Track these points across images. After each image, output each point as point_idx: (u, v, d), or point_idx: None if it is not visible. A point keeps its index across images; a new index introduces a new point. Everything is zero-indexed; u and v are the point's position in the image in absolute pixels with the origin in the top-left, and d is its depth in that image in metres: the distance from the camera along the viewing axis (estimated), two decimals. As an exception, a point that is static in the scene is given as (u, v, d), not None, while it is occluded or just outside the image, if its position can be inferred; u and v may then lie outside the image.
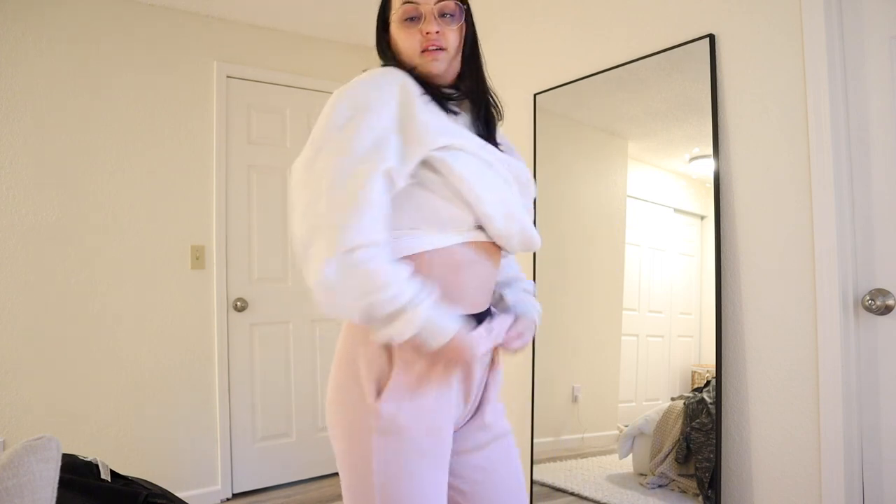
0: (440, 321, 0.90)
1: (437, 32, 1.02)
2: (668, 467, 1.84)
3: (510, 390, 2.36)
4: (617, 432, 2.06)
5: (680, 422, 1.83)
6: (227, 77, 2.94)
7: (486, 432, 1.08)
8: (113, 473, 1.48)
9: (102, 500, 1.35)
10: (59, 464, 1.10)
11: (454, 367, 0.97)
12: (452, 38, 1.05)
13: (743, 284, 1.69)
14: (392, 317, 0.87)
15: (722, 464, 1.70)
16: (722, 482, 1.70)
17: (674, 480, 1.83)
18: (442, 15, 1.03)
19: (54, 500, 1.06)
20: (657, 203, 2.02)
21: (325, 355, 3.17)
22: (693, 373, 1.88)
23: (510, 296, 1.19)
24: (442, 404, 0.98)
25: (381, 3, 1.10)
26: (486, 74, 1.13)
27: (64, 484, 1.21)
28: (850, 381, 1.48)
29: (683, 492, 1.79)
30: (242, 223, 2.97)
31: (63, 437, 1.41)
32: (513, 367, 2.34)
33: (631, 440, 2.00)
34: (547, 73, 2.33)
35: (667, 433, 1.86)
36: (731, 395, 1.70)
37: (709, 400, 1.75)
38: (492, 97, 1.13)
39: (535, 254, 2.29)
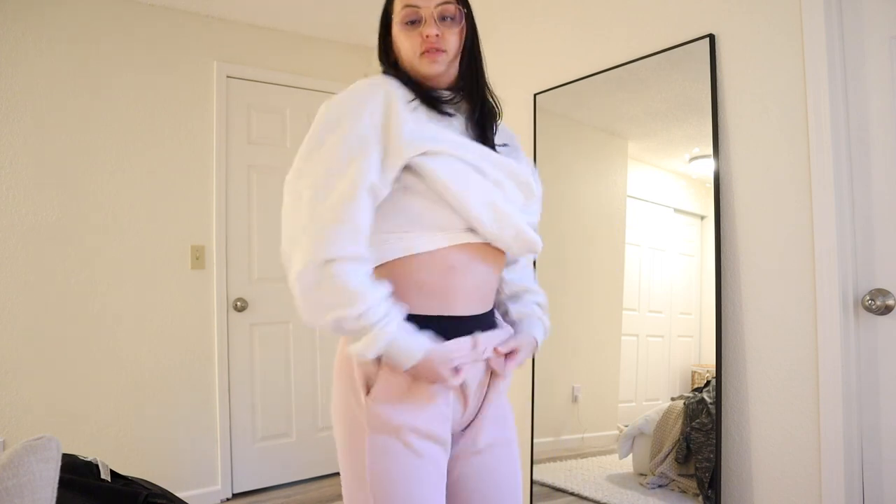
0: (405, 343, 0.91)
1: (438, 35, 1.02)
2: (668, 467, 1.84)
3: (510, 390, 2.36)
4: (617, 432, 2.06)
5: (680, 422, 1.83)
6: (227, 77, 2.94)
7: (485, 437, 1.07)
8: (113, 473, 1.48)
9: (102, 500, 1.35)
10: (59, 464, 1.11)
11: (432, 384, 0.97)
12: (452, 40, 1.05)
13: (743, 284, 1.69)
14: (359, 334, 0.90)
15: (722, 464, 1.70)
16: (722, 482, 1.70)
17: (674, 480, 1.83)
18: (442, 18, 1.04)
19: (54, 500, 1.06)
20: (657, 203, 2.02)
21: (325, 355, 3.17)
22: (693, 373, 1.88)
23: (516, 310, 1.17)
24: (435, 407, 0.98)
25: (384, 7, 1.11)
26: (486, 76, 1.13)
27: (64, 484, 1.21)
28: (850, 381, 1.48)
29: (683, 492, 1.79)
30: (242, 223, 2.97)
31: (63, 437, 1.40)
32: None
33: (631, 440, 2.00)
34: (547, 73, 2.33)
35: (667, 433, 1.86)
36: (731, 395, 1.70)
37: (709, 400, 1.75)
38: (490, 98, 1.13)
39: (535, 254, 2.28)
